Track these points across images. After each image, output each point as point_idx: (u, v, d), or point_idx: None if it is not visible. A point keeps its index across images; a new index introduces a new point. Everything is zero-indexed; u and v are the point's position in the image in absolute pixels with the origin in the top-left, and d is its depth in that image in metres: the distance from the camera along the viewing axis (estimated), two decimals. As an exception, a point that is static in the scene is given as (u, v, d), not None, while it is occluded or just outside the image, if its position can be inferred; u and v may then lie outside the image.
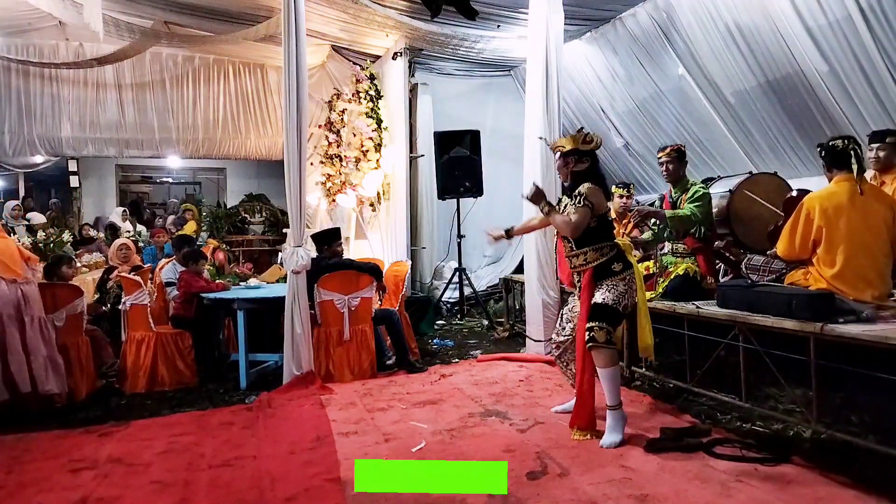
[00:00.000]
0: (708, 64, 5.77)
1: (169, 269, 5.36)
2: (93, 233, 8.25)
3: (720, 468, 2.78)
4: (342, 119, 7.40)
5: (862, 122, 4.80)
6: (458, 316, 7.20)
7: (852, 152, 3.19)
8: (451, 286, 7.28)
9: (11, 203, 7.97)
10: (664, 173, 4.30)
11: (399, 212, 7.11)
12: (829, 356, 2.95)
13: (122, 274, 5.23)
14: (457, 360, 5.37)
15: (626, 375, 4.14)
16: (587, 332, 3.20)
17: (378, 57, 7.54)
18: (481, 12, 5.21)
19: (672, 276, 4.16)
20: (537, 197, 3.36)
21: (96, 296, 5.83)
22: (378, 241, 7.54)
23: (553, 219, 3.31)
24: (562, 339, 3.57)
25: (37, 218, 7.88)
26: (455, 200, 7.06)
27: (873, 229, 3.13)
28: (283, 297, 4.49)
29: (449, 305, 7.49)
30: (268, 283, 6.38)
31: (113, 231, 8.25)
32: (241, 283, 5.96)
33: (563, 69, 5.38)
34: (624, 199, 5.51)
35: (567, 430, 3.35)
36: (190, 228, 8.58)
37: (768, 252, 3.78)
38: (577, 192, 3.26)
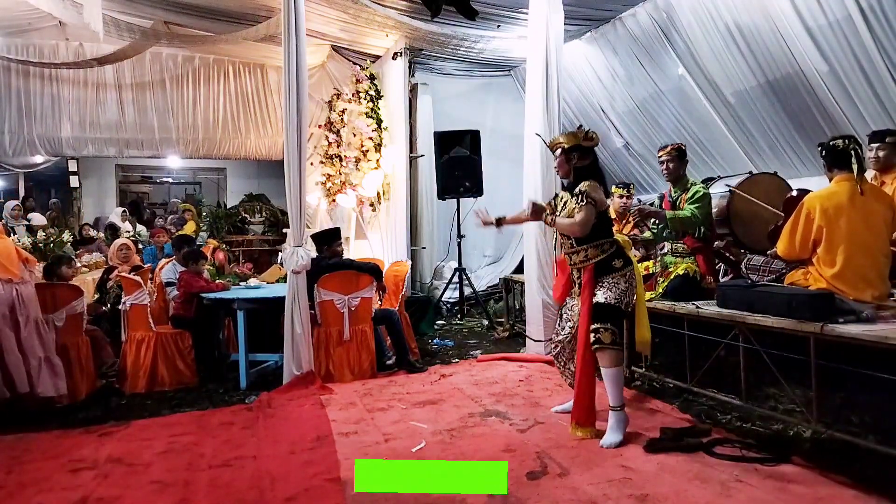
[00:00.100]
0: (708, 64, 5.77)
1: (169, 269, 5.36)
2: (93, 233, 8.25)
3: (720, 468, 2.78)
4: (342, 119, 7.41)
5: (862, 122, 4.80)
6: (458, 316, 7.20)
7: (853, 152, 3.19)
8: (451, 286, 7.28)
9: (11, 203, 7.97)
10: (664, 172, 4.30)
11: (399, 212, 7.11)
12: (829, 356, 2.95)
13: (122, 274, 5.23)
14: (457, 360, 5.37)
15: (626, 375, 4.14)
16: (593, 334, 3.20)
17: (378, 57, 7.55)
18: (481, 12, 5.21)
19: (672, 276, 4.16)
20: (538, 213, 3.43)
21: (96, 296, 5.83)
22: (378, 241, 7.55)
23: (559, 224, 3.30)
24: (561, 338, 3.57)
25: (37, 219, 7.88)
26: (455, 200, 7.05)
27: (873, 229, 3.13)
28: (283, 297, 4.49)
29: (449, 305, 7.49)
30: (268, 283, 6.38)
31: (113, 231, 8.25)
32: (241, 283, 5.96)
33: (563, 69, 5.38)
34: (624, 199, 5.52)
35: (567, 430, 3.35)
36: (189, 228, 8.58)
37: (768, 252, 3.77)
38: (578, 189, 3.26)
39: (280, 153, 5.77)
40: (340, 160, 7.37)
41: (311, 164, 7.19)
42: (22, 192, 10.15)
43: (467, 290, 7.24)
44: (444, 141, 7.00)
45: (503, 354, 5.30)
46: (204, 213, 9.43)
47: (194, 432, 3.61)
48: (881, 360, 2.72)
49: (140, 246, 7.22)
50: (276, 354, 4.75)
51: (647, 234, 4.61)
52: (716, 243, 4.55)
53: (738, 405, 3.43)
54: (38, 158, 9.49)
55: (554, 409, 3.72)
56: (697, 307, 3.66)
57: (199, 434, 3.57)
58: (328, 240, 5.12)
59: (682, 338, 3.80)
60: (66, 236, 7.03)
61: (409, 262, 6.46)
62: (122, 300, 4.83)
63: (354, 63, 7.63)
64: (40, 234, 6.79)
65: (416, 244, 7.78)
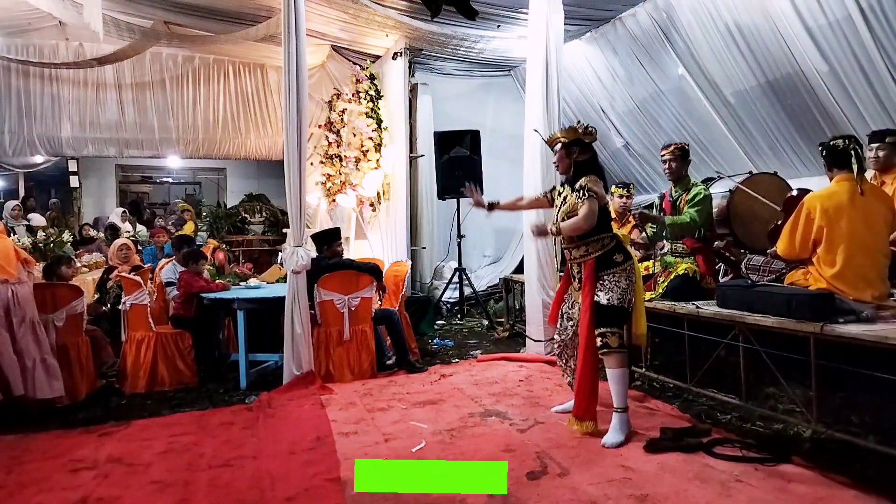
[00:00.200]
0: (708, 64, 5.77)
1: (169, 269, 5.36)
2: (93, 233, 8.25)
3: (720, 468, 2.78)
4: (342, 119, 7.41)
5: (862, 122, 4.80)
6: (458, 316, 7.20)
7: (853, 152, 3.19)
8: (451, 286, 7.28)
9: (11, 203, 7.97)
10: (666, 171, 4.29)
11: (399, 212, 7.11)
12: (829, 356, 2.95)
13: (122, 274, 5.23)
14: (457, 360, 5.37)
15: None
16: (600, 338, 3.22)
17: (378, 57, 7.55)
18: (481, 12, 5.21)
19: (672, 276, 4.16)
20: (542, 231, 3.43)
21: (96, 296, 5.83)
22: (378, 241, 7.55)
23: (564, 228, 3.29)
24: (563, 337, 3.57)
25: (36, 219, 7.88)
26: (455, 200, 7.05)
27: (873, 229, 3.13)
28: (283, 297, 4.49)
29: (449, 305, 7.49)
30: (268, 283, 6.38)
31: (113, 231, 8.24)
32: (241, 283, 5.96)
33: (563, 69, 5.38)
34: (624, 199, 5.52)
35: (567, 430, 3.36)
36: (188, 229, 8.58)
37: (768, 252, 3.77)
38: (579, 185, 3.27)
39: (280, 153, 5.76)
40: (340, 160, 7.37)
41: (311, 164, 7.19)
42: (22, 192, 10.16)
43: (467, 290, 7.24)
44: (444, 141, 7.00)
45: (503, 354, 5.30)
46: (204, 213, 9.43)
47: (194, 432, 3.61)
48: (881, 360, 2.72)
49: (140, 249, 7.22)
50: (276, 354, 4.75)
51: (644, 234, 4.61)
52: (716, 243, 4.55)
53: (738, 405, 3.43)
54: (38, 158, 9.50)
55: (554, 409, 3.72)
56: (697, 307, 3.66)
57: (199, 434, 3.57)
58: (328, 240, 5.12)
59: (682, 338, 3.80)
60: (66, 236, 7.03)
61: (409, 262, 6.46)
62: (122, 300, 4.82)
63: (354, 63, 7.63)
64: (40, 235, 6.79)
65: (416, 244, 7.78)
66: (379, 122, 7.34)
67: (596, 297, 3.27)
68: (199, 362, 4.88)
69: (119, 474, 3.00)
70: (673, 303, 3.92)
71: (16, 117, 7.21)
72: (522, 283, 5.70)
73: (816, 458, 2.81)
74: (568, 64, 6.39)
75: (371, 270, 4.97)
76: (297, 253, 4.49)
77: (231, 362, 5.01)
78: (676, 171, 4.25)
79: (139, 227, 9.00)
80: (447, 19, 6.22)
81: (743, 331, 3.30)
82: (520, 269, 6.95)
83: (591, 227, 3.22)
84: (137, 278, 4.86)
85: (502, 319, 6.51)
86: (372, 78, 7.44)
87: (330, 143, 7.43)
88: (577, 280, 3.43)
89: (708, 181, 5.02)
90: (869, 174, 3.74)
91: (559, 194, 3.48)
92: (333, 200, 7.47)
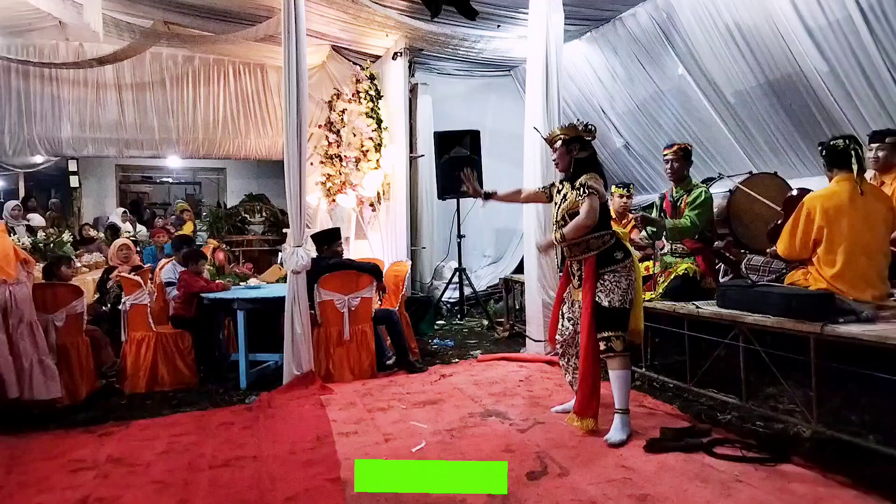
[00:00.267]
0: (708, 64, 5.77)
1: (169, 269, 5.36)
2: (93, 233, 8.25)
3: (720, 468, 2.78)
4: (342, 119, 7.41)
5: (862, 122, 4.80)
6: (458, 316, 7.21)
7: (853, 152, 3.19)
8: (451, 286, 7.28)
9: (11, 203, 7.97)
10: (668, 171, 4.28)
11: (399, 212, 7.11)
12: (829, 356, 2.95)
13: (122, 274, 5.23)
14: (457, 360, 5.37)
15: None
16: (603, 343, 3.24)
17: (378, 57, 7.54)
18: (481, 12, 5.21)
19: (672, 277, 4.16)
20: (548, 245, 3.46)
21: (96, 296, 5.83)
22: (378, 241, 7.54)
23: (568, 232, 3.27)
24: (565, 337, 3.56)
25: (36, 220, 7.88)
26: (455, 200, 7.06)
27: (873, 229, 3.13)
28: (283, 297, 4.48)
29: (449, 305, 7.49)
30: (268, 283, 6.39)
31: (114, 231, 8.25)
32: (241, 283, 5.96)
33: (563, 69, 5.39)
34: (624, 199, 5.52)
35: (567, 430, 3.36)
36: (188, 229, 8.59)
37: (768, 252, 3.78)
38: (579, 182, 3.27)
39: (280, 153, 5.76)
40: (340, 160, 7.37)
41: (311, 164, 7.18)
42: (22, 193, 10.14)
43: (467, 290, 7.24)
44: (444, 141, 7.00)
45: (503, 354, 5.30)
46: (204, 213, 9.41)
47: (194, 432, 3.61)
48: (881, 360, 2.72)
49: (140, 247, 7.22)
50: (276, 354, 4.75)
51: (643, 234, 4.61)
52: (716, 243, 4.55)
53: (738, 405, 3.43)
54: (38, 158, 9.48)
55: (554, 409, 3.72)
56: (697, 307, 3.66)
57: (199, 434, 3.57)
58: (328, 240, 5.12)
59: (682, 338, 3.80)
60: (67, 236, 7.03)
61: (409, 262, 6.46)
62: (122, 300, 4.82)
63: (354, 63, 7.63)
64: (40, 235, 6.79)
65: (416, 244, 7.78)
66: (379, 122, 7.34)
67: (597, 300, 3.27)
68: (199, 362, 4.88)
69: (119, 474, 3.00)
70: (673, 303, 3.92)
71: (16, 117, 7.20)
72: (522, 283, 5.70)
73: (816, 458, 2.81)
74: (568, 64, 6.39)
75: (371, 270, 4.97)
76: (297, 253, 4.49)
77: (231, 362, 5.01)
78: (678, 172, 4.25)
79: (139, 227, 9.00)
80: (447, 19, 6.21)
81: (743, 331, 3.30)
82: (520, 269, 6.95)
83: (594, 223, 3.22)
84: (137, 278, 4.85)
85: (502, 319, 6.51)
86: (372, 78, 7.44)
87: (330, 143, 7.42)
88: (576, 278, 3.42)
89: (708, 181, 5.02)
90: (869, 174, 3.74)
91: (558, 191, 3.49)
92: (333, 200, 7.47)
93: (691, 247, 4.23)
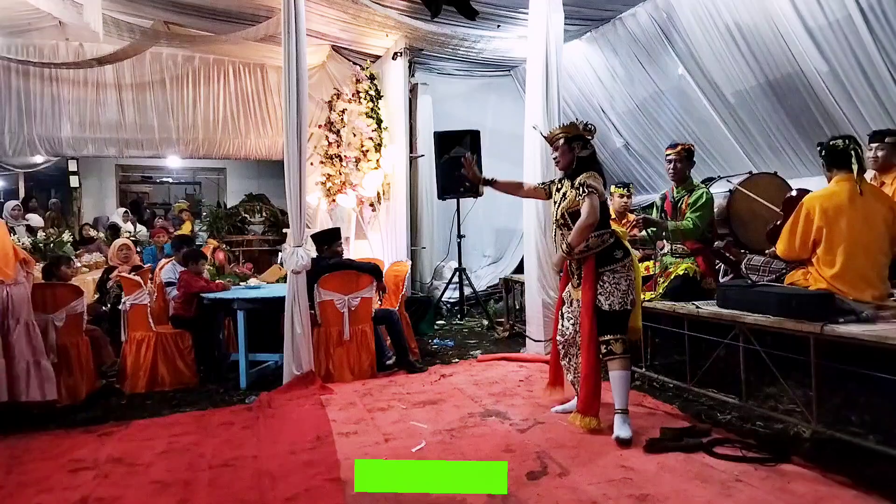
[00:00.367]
0: (708, 64, 5.77)
1: (169, 269, 5.36)
2: (93, 233, 8.26)
3: (720, 468, 2.78)
4: (342, 119, 7.41)
5: (862, 122, 4.80)
6: (458, 316, 7.20)
7: (852, 152, 3.19)
8: (451, 286, 7.28)
9: (11, 203, 7.97)
10: (671, 171, 4.28)
11: (399, 212, 7.11)
12: (829, 356, 2.95)
13: (122, 274, 5.23)
14: (457, 360, 5.36)
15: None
16: (604, 346, 3.26)
17: (378, 57, 7.54)
18: (481, 12, 5.20)
19: (672, 277, 4.16)
20: (562, 261, 3.45)
21: (96, 296, 5.83)
22: (378, 241, 7.55)
23: (573, 237, 3.26)
24: (565, 338, 3.56)
25: (35, 220, 7.88)
26: (455, 200, 7.06)
27: (873, 229, 3.13)
28: (283, 297, 4.48)
29: (449, 305, 7.49)
30: (268, 283, 6.39)
31: (114, 231, 8.26)
32: (241, 283, 5.96)
33: (563, 69, 5.39)
34: (624, 199, 5.52)
35: (567, 430, 3.36)
36: (186, 228, 8.59)
37: (768, 252, 3.78)
38: (579, 182, 3.28)
39: (280, 153, 5.76)
40: (340, 160, 7.37)
41: (311, 164, 7.18)
42: (22, 193, 10.15)
43: (467, 290, 7.24)
44: (444, 141, 7.00)
45: (503, 354, 5.30)
46: (204, 213, 9.41)
47: (194, 432, 3.61)
48: (881, 360, 2.72)
49: (140, 247, 7.22)
50: (276, 354, 4.75)
51: (643, 234, 4.61)
52: (716, 243, 4.55)
53: (738, 405, 3.43)
54: (38, 158, 9.49)
55: (554, 409, 3.72)
56: (697, 307, 3.66)
57: (199, 434, 3.57)
58: (328, 240, 5.12)
59: (682, 338, 3.80)
60: (67, 236, 7.03)
61: (409, 262, 6.46)
62: (122, 300, 4.82)
63: (354, 63, 7.63)
64: (40, 235, 6.79)
65: (416, 244, 7.78)
66: (379, 122, 7.34)
67: (597, 302, 3.28)
68: (199, 362, 4.88)
69: (119, 474, 3.00)
70: (673, 303, 3.92)
71: (16, 117, 7.20)
72: (522, 283, 5.70)
73: (816, 458, 2.81)
74: (568, 64, 6.39)
75: (371, 270, 4.97)
76: (297, 253, 4.49)
77: (231, 362, 5.01)
78: (681, 172, 4.24)
79: (139, 227, 9.01)
80: (447, 19, 6.21)
81: (743, 331, 3.30)
82: (520, 269, 6.95)
83: (597, 221, 3.23)
84: (137, 278, 4.86)
85: (502, 319, 6.51)
86: (372, 78, 7.44)
87: (330, 143, 7.42)
88: (576, 277, 3.43)
89: (708, 181, 5.02)
90: (869, 174, 3.74)
91: (557, 189, 3.49)
92: (333, 200, 7.47)
93: (691, 247, 4.23)
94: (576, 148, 3.37)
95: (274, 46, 6.60)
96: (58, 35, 7.18)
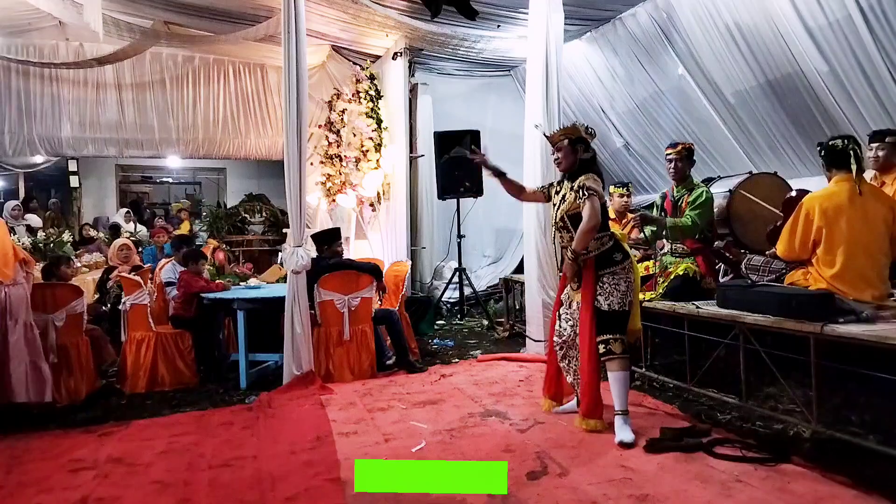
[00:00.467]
0: (708, 64, 5.77)
1: (169, 269, 5.36)
2: (93, 233, 8.26)
3: (720, 468, 2.78)
4: (342, 119, 7.41)
5: (862, 122, 4.80)
6: (458, 316, 7.20)
7: (852, 152, 3.19)
8: (451, 286, 7.28)
9: (11, 203, 7.98)
10: (671, 171, 4.28)
11: (399, 212, 7.11)
12: (829, 356, 2.95)
13: (122, 274, 5.23)
14: (457, 360, 5.37)
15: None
16: (602, 345, 3.26)
17: (378, 57, 7.54)
18: (481, 12, 5.21)
19: (672, 277, 4.16)
20: (573, 270, 3.37)
21: (96, 296, 5.83)
22: (378, 241, 7.55)
23: (576, 244, 3.26)
24: (564, 338, 3.56)
25: (33, 221, 7.88)
26: (455, 200, 7.06)
27: (873, 229, 3.13)
28: (283, 297, 4.48)
29: (449, 305, 7.49)
30: (268, 283, 6.39)
31: (115, 231, 8.26)
32: (241, 283, 5.96)
33: (563, 69, 5.38)
34: (624, 199, 5.52)
35: (567, 430, 3.36)
36: (184, 228, 8.59)
37: (768, 252, 3.78)
38: (578, 184, 3.28)
39: (280, 153, 5.76)
40: (340, 160, 7.37)
41: (311, 164, 7.18)
42: (22, 193, 10.14)
43: (467, 290, 7.24)
44: (444, 141, 7.00)
45: (503, 354, 5.30)
46: (204, 213, 9.41)
47: (194, 432, 3.61)
48: (881, 360, 2.72)
49: (140, 247, 7.22)
50: (276, 354, 4.75)
51: (643, 234, 4.61)
52: (716, 243, 4.55)
53: (738, 405, 3.43)
54: (38, 158, 9.49)
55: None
56: (697, 307, 3.66)
57: (199, 434, 3.57)
58: (328, 240, 5.12)
59: (682, 338, 3.80)
60: (67, 236, 7.03)
61: (409, 262, 6.46)
62: (122, 300, 4.82)
63: (354, 63, 7.63)
64: (40, 235, 6.79)
65: (416, 244, 7.78)
66: (379, 122, 7.34)
67: (596, 303, 3.28)
68: (199, 362, 4.88)
69: (119, 474, 3.00)
70: (673, 303, 3.92)
71: (16, 117, 7.20)
72: (522, 283, 5.70)
73: (816, 458, 2.81)
74: (568, 64, 6.39)
75: (371, 270, 4.97)
76: (297, 253, 4.49)
77: (231, 362, 5.01)
78: (681, 171, 4.24)
79: (139, 226, 9.01)
80: (447, 19, 6.21)
81: (743, 331, 3.30)
82: (520, 269, 6.95)
83: (598, 224, 3.23)
84: (137, 278, 4.86)
85: (502, 319, 6.51)
86: (372, 78, 7.44)
87: (330, 143, 7.42)
88: (576, 279, 3.42)
89: (708, 181, 5.02)
90: (869, 174, 3.74)
91: (557, 192, 3.49)
92: (333, 200, 7.47)
93: (691, 247, 4.23)
94: (579, 150, 3.39)
95: (274, 46, 6.60)
96: (58, 35, 7.18)
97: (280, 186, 4.82)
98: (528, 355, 5.20)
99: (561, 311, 3.60)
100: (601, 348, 3.26)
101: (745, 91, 5.64)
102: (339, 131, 7.41)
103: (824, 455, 2.84)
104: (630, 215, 5.35)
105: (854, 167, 3.17)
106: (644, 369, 4.19)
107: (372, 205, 7.57)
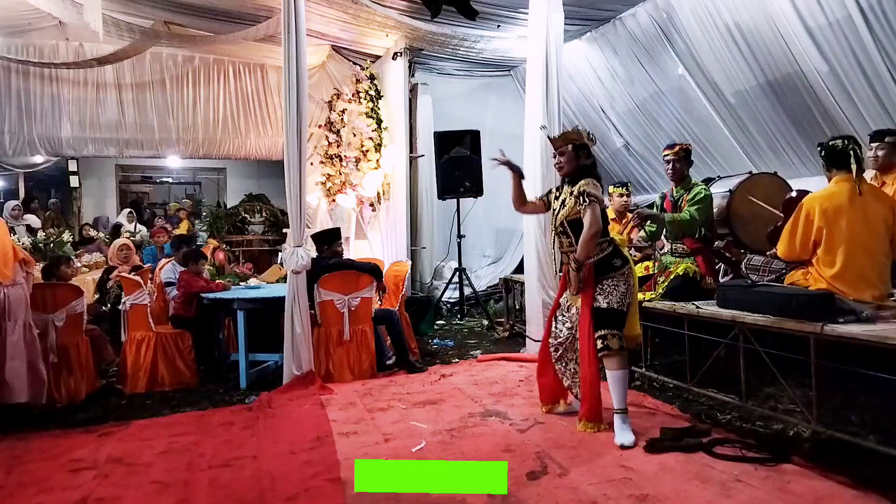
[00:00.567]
0: (708, 64, 5.77)
1: (169, 269, 5.36)
2: (93, 233, 8.26)
3: (720, 468, 2.78)
4: (342, 119, 7.41)
5: (862, 122, 4.80)
6: (458, 316, 7.21)
7: (852, 152, 3.19)
8: (451, 286, 7.29)
9: (11, 203, 7.97)
10: (669, 171, 4.28)
11: (399, 212, 7.11)
12: (829, 356, 2.95)
13: (122, 274, 5.23)
14: (457, 360, 5.37)
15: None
16: (600, 341, 3.25)
17: (378, 57, 7.54)
18: (481, 12, 5.21)
19: (672, 276, 4.16)
20: (584, 281, 3.33)
21: (96, 296, 5.83)
22: (378, 241, 7.55)
23: (580, 252, 3.25)
24: (560, 340, 3.55)
25: (33, 221, 7.88)
26: (455, 200, 7.06)
27: (873, 229, 3.13)
28: (283, 297, 4.49)
29: (449, 305, 7.49)
30: (268, 283, 6.39)
31: (116, 232, 8.26)
32: (241, 283, 5.96)
33: (563, 69, 5.38)
34: (623, 199, 5.52)
35: (567, 430, 3.36)
36: (183, 228, 8.59)
37: (768, 252, 3.78)
38: (579, 190, 3.29)
39: (280, 153, 5.76)
40: (340, 160, 7.37)
41: (311, 164, 7.18)
42: (22, 193, 10.14)
43: (467, 290, 7.24)
44: (444, 141, 7.00)
45: (503, 354, 5.30)
46: (204, 213, 9.41)
47: (194, 432, 3.61)
48: (881, 360, 2.72)
49: (140, 248, 7.22)
50: (276, 354, 4.75)
51: (643, 234, 4.60)
52: (716, 243, 4.54)
53: (738, 405, 3.43)
54: (38, 158, 9.48)
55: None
56: (697, 307, 3.66)
57: (199, 434, 3.57)
58: (328, 240, 5.12)
59: (682, 338, 3.80)
60: (67, 236, 7.03)
61: (409, 262, 6.46)
62: (122, 300, 4.83)
63: (354, 63, 7.63)
64: (40, 235, 6.79)
65: (416, 244, 7.78)
66: (379, 122, 7.34)
67: (595, 303, 3.28)
68: (199, 362, 4.89)
69: (119, 474, 3.00)
70: (673, 303, 3.92)
71: (16, 117, 7.19)
72: (522, 283, 5.70)
73: (816, 458, 2.81)
74: (568, 64, 6.39)
75: (371, 270, 4.97)
76: (297, 253, 4.49)
77: (231, 362, 5.01)
78: (679, 172, 4.24)
79: (139, 226, 9.01)
80: (447, 19, 6.21)
81: (743, 331, 3.30)
82: (520, 269, 6.95)
83: (600, 230, 3.24)
84: (137, 278, 4.86)
85: (502, 319, 6.51)
86: (372, 78, 7.44)
87: (330, 143, 7.43)
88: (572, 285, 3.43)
89: (708, 181, 5.02)
90: (869, 174, 3.74)
91: (556, 198, 3.49)
92: (333, 200, 7.47)
93: (691, 247, 4.23)
94: (581, 156, 3.40)
95: (274, 46, 6.60)
96: (58, 35, 7.18)
97: (280, 186, 4.82)
98: (528, 355, 5.19)
99: (558, 314, 3.59)
100: (599, 343, 3.25)
101: (745, 91, 5.64)
102: (339, 131, 7.42)
103: (824, 455, 2.84)
104: (630, 215, 5.35)
105: (854, 167, 3.17)
106: (644, 369, 4.19)
107: (372, 205, 7.57)
